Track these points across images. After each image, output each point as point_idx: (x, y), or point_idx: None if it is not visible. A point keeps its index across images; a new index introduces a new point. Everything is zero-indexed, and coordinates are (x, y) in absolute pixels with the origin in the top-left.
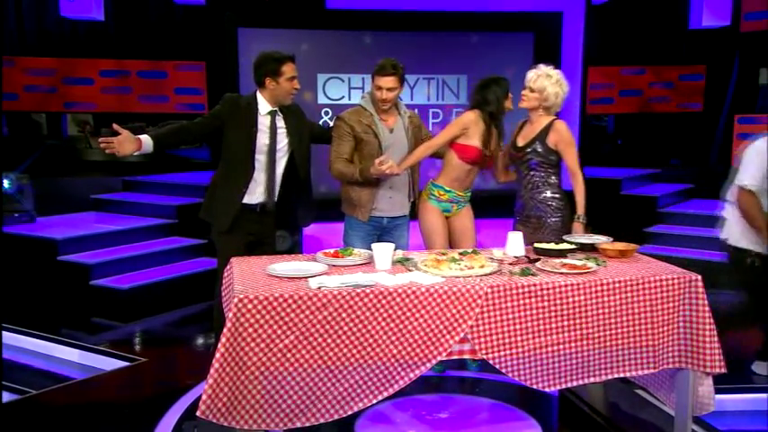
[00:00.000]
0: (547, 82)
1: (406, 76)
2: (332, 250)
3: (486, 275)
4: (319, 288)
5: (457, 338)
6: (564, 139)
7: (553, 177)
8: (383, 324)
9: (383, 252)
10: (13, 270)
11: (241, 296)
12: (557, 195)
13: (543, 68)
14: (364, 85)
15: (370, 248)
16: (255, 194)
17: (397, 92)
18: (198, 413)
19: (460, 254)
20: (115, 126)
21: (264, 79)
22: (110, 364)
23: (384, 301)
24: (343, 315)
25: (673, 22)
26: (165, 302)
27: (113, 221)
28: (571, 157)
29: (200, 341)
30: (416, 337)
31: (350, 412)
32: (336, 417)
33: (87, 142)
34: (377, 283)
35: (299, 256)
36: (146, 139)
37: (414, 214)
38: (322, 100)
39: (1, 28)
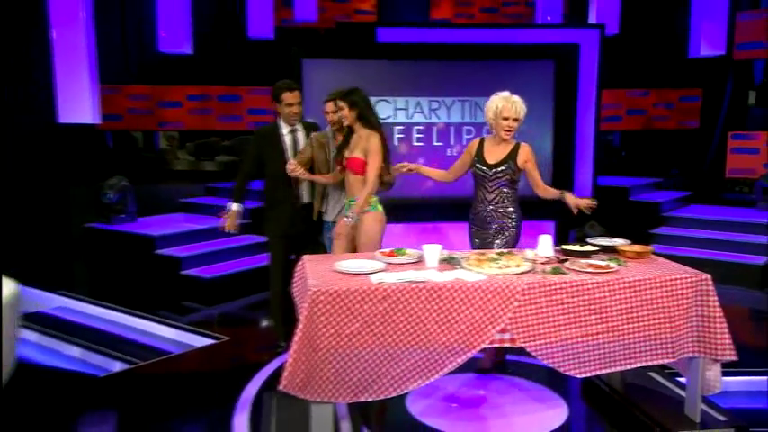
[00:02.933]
0: (523, 106)
1: (445, 99)
2: (388, 250)
3: (521, 273)
4: (380, 283)
5: (498, 328)
6: (532, 159)
7: (514, 194)
8: (434, 315)
9: (432, 252)
10: (119, 261)
11: (315, 289)
12: (516, 209)
13: (510, 96)
14: (408, 107)
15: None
16: (301, 197)
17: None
18: (280, 387)
19: (498, 254)
20: (222, 213)
21: (274, 104)
22: (198, 341)
23: (434, 295)
24: (400, 306)
25: (674, 52)
26: (241, 289)
27: (198, 221)
28: (537, 173)
29: (270, 324)
30: (462, 326)
31: (406, 391)
32: (394, 394)
33: (175, 154)
34: (428, 280)
35: (359, 255)
36: (237, 207)
37: None
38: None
39: None
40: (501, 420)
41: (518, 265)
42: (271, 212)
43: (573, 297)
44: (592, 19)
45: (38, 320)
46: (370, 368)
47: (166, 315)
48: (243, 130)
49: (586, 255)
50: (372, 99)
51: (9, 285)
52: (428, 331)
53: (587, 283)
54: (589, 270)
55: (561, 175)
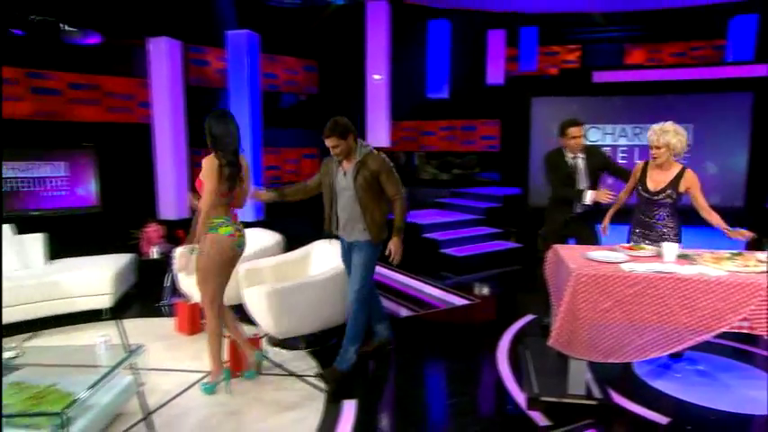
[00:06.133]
0: (668, 136)
1: (647, 125)
2: (627, 244)
3: (761, 273)
4: (631, 271)
5: (740, 317)
6: (695, 184)
7: (674, 209)
8: (678, 300)
9: (670, 249)
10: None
11: (578, 272)
12: (675, 220)
13: (658, 126)
14: (614, 132)
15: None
16: (576, 207)
17: (341, 147)
18: (549, 342)
19: (732, 254)
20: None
21: (560, 137)
22: (457, 300)
23: (680, 284)
24: (648, 291)
25: None
26: (481, 266)
27: (448, 216)
28: (702, 198)
29: (501, 293)
30: (705, 312)
31: (647, 358)
32: (638, 359)
33: (424, 168)
34: (674, 272)
35: (602, 247)
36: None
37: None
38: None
39: None
40: (725, 393)
41: (756, 265)
42: (550, 217)
43: None
44: None
45: None
46: (618, 337)
47: (430, 280)
48: (476, 151)
49: None
50: (585, 126)
51: None
52: (671, 312)
53: None
54: None
55: (756, 186)
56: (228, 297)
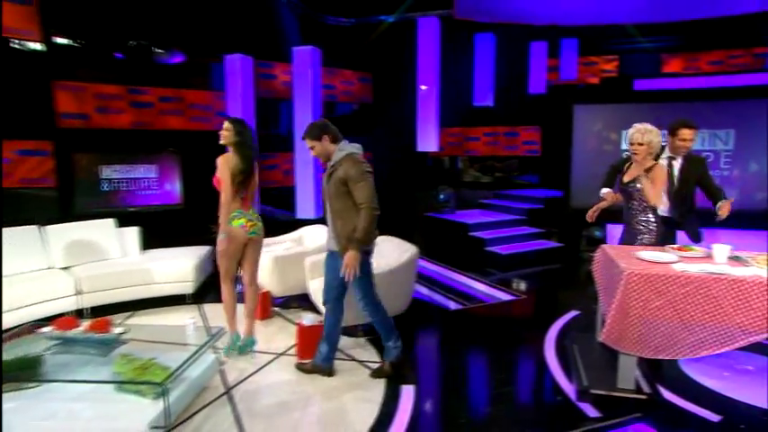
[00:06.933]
0: (651, 135)
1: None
2: (677, 246)
3: None
4: (683, 271)
5: None
6: (656, 178)
7: (653, 210)
8: (731, 300)
9: (721, 250)
10: (446, 238)
11: (629, 271)
12: (651, 219)
13: (639, 126)
14: None
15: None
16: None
17: (317, 149)
18: (601, 338)
19: None
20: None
21: (669, 136)
22: (503, 295)
23: (735, 285)
24: (701, 291)
25: None
26: (524, 263)
27: (492, 216)
28: (660, 187)
29: (545, 289)
30: (760, 313)
31: (699, 356)
32: (689, 356)
33: (467, 171)
34: (727, 273)
35: (651, 248)
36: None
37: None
38: (624, 146)
39: None
40: None
41: None
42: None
43: None
44: None
45: None
46: (669, 335)
47: (477, 276)
48: (519, 155)
49: None
50: (624, 132)
51: (413, 249)
52: (725, 312)
53: None
54: None
55: None
56: (294, 287)
